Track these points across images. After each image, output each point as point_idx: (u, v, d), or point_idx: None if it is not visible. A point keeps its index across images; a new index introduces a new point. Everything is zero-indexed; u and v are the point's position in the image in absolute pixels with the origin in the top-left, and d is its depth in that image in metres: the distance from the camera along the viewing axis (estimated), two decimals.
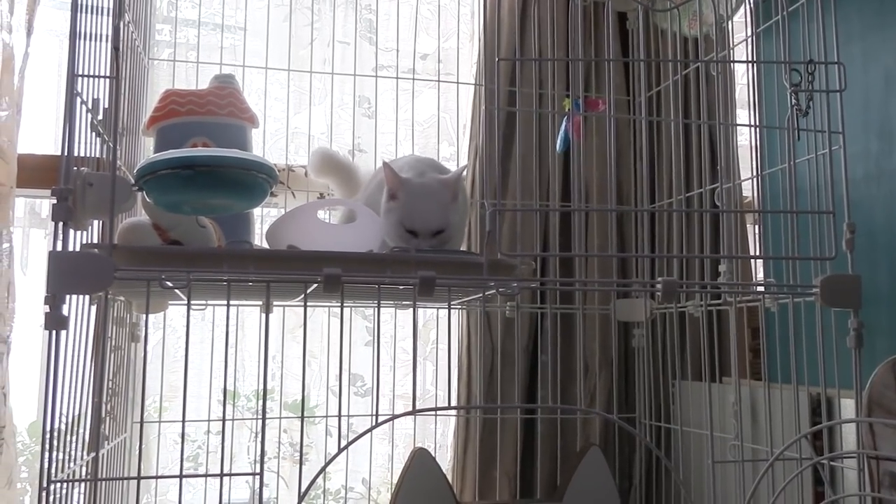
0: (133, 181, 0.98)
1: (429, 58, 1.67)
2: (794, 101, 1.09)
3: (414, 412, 0.94)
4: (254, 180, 0.96)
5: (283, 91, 1.52)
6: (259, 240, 1.32)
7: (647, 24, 1.29)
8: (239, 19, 1.53)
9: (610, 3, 1.19)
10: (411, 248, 1.11)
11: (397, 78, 1.55)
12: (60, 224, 0.87)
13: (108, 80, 0.96)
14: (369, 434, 0.91)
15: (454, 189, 1.15)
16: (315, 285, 0.94)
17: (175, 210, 0.99)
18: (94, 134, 0.98)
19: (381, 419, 0.96)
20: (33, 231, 1.70)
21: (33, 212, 1.70)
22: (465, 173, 1.21)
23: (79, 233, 0.92)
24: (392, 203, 1.14)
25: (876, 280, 1.28)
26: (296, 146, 1.56)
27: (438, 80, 1.59)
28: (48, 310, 0.84)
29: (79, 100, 0.90)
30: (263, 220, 1.47)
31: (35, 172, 1.41)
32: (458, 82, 1.61)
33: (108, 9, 1.04)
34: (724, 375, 1.45)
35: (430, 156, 1.61)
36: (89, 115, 0.95)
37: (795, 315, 1.18)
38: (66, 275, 0.83)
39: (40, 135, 1.56)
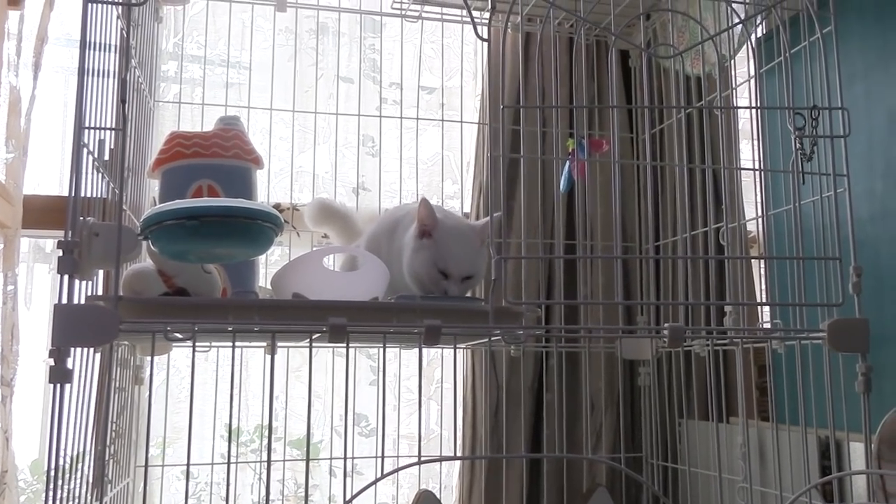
0: (139, 228, 0.98)
1: (433, 92, 1.68)
2: (798, 145, 1.08)
3: (419, 462, 0.93)
4: (259, 229, 0.96)
5: (288, 130, 1.52)
6: (264, 281, 1.32)
7: (649, 63, 1.30)
8: (244, 58, 1.54)
9: (613, 44, 1.20)
10: (429, 292, 1.12)
11: (401, 118, 1.55)
12: (66, 276, 0.86)
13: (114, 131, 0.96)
14: (374, 476, 0.91)
15: (483, 237, 1.17)
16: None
17: (180, 259, 0.98)
18: (97, 174, 0.97)
19: (387, 463, 0.95)
20: (37, 266, 1.69)
21: (37, 247, 1.69)
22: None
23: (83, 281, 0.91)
24: (425, 241, 1.15)
25: (883, 321, 1.26)
26: (300, 185, 1.57)
27: (442, 120, 1.59)
28: (53, 363, 0.83)
29: (86, 150, 0.90)
30: (268, 259, 1.47)
31: (40, 213, 1.40)
32: (461, 121, 1.61)
33: (115, 46, 1.04)
34: (731, 415, 1.44)
35: (435, 193, 1.62)
36: (94, 156, 0.94)
37: (803, 356, 1.17)
38: (71, 328, 0.82)
39: (42, 171, 1.56)
